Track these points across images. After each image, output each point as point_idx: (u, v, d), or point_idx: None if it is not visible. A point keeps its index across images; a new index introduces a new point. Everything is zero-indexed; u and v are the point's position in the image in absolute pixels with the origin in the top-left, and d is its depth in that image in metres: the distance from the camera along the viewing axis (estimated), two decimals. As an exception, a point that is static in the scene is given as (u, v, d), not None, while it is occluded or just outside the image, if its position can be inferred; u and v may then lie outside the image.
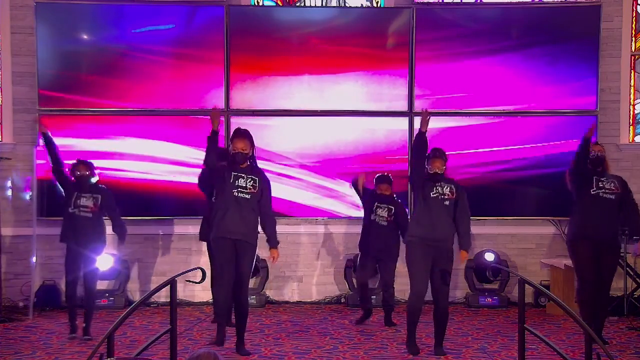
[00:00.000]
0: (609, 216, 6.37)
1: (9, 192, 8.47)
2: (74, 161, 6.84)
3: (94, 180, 6.77)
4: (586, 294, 6.30)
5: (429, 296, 5.97)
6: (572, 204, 6.60)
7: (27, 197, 8.29)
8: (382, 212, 7.20)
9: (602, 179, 6.41)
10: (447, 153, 6.14)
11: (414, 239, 5.97)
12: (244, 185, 5.93)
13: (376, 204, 7.25)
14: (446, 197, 5.92)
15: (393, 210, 7.19)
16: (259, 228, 6.10)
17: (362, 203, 7.54)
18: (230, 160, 6.02)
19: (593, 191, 6.36)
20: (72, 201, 6.65)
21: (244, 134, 6.03)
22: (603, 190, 6.37)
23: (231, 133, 6.27)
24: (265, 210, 6.07)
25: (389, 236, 7.19)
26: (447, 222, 5.94)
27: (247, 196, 5.93)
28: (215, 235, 6.04)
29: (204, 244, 7.52)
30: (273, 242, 6.11)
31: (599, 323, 6.33)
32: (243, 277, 5.97)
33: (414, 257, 5.94)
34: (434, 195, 5.91)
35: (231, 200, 5.91)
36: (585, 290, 6.31)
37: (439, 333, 6.03)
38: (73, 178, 6.72)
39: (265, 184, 6.08)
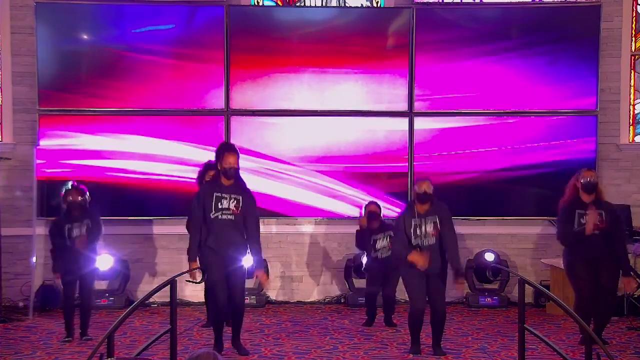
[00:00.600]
0: (600, 245, 6.17)
1: (7, 192, 8.46)
2: (68, 187, 6.59)
3: (85, 204, 6.53)
4: (583, 307, 6.16)
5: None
6: None
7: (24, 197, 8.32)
8: (383, 242, 7.05)
9: (586, 214, 6.13)
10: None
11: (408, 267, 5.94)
12: (227, 206, 5.83)
13: (372, 238, 7.10)
14: (430, 235, 5.86)
15: (392, 236, 6.80)
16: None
17: (361, 247, 7.39)
18: (219, 174, 5.91)
19: (575, 230, 6.22)
20: (65, 234, 6.47)
21: (234, 149, 5.95)
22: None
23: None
24: (251, 232, 5.94)
25: (392, 266, 6.74)
26: (436, 253, 5.88)
27: (231, 217, 5.83)
28: (205, 259, 5.96)
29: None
30: (260, 265, 6.02)
31: (600, 325, 6.29)
32: (237, 291, 5.91)
33: (409, 277, 5.94)
34: (415, 242, 5.85)
35: (215, 225, 5.82)
36: (583, 305, 6.19)
37: (437, 333, 6.02)
38: (64, 204, 6.53)
39: (249, 203, 5.93)
